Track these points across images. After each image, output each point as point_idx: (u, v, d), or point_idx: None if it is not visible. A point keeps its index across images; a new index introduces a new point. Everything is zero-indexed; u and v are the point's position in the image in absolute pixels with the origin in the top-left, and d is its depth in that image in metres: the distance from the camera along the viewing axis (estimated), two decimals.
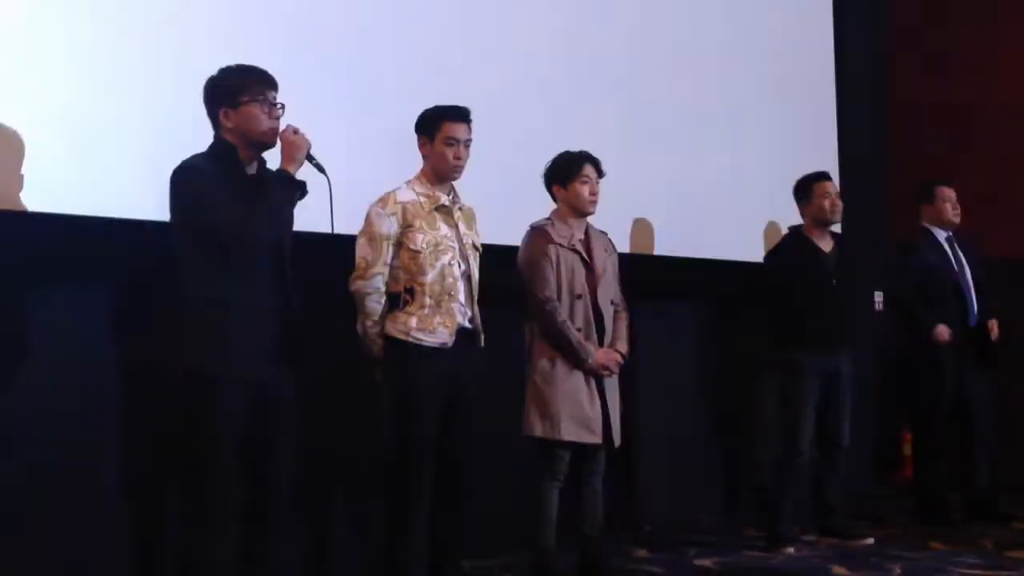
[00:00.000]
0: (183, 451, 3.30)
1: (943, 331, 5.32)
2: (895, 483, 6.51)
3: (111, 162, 3.74)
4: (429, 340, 3.72)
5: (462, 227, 3.84)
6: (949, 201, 5.51)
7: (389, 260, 3.73)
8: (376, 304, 3.73)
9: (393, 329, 3.73)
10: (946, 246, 5.51)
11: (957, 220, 5.52)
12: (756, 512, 5.28)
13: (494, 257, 4.02)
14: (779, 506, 5.00)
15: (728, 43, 5.91)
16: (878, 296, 6.66)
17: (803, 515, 5.09)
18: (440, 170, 3.81)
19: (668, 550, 4.82)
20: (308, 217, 3.41)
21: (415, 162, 3.88)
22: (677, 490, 5.58)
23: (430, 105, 3.85)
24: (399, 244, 3.73)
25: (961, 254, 5.50)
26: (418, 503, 3.72)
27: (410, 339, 3.71)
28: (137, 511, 3.80)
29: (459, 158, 3.80)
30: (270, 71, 3.33)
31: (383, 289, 3.73)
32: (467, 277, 3.82)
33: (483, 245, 3.96)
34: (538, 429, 4.02)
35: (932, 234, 5.53)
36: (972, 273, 5.47)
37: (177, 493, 3.41)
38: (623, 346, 4.17)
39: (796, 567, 4.51)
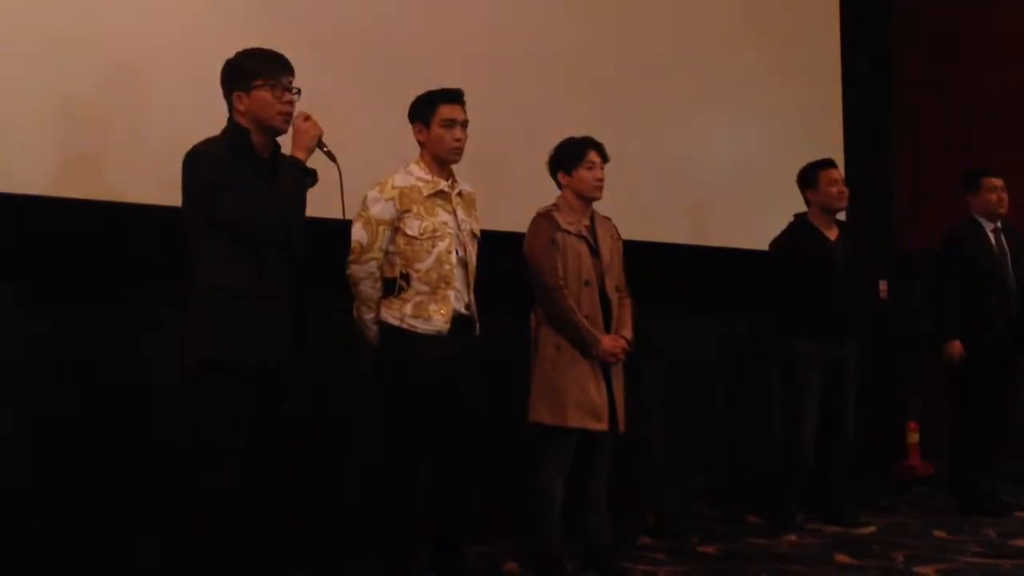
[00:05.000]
0: (191, 436, 3.31)
1: (955, 348, 5.25)
2: (899, 472, 6.51)
3: (117, 146, 3.75)
4: (424, 327, 3.70)
5: (460, 213, 3.82)
6: (995, 191, 5.42)
7: (385, 245, 3.70)
8: (370, 289, 3.72)
9: (388, 315, 3.72)
10: (992, 237, 5.42)
11: (1003, 210, 5.42)
12: (759, 499, 5.28)
13: (498, 244, 4.01)
14: (782, 494, 5.01)
15: (732, 29, 5.90)
16: (882, 285, 6.67)
17: (806, 503, 5.09)
18: (440, 154, 3.78)
19: (671, 537, 4.82)
20: (319, 203, 3.41)
21: (414, 148, 3.87)
22: (680, 477, 5.59)
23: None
24: (396, 230, 3.71)
25: (1007, 246, 5.41)
26: (417, 491, 3.72)
27: (404, 326, 3.70)
28: (142, 498, 3.80)
29: (458, 139, 3.78)
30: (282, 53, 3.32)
31: (377, 274, 3.71)
32: (464, 264, 3.80)
33: (487, 232, 3.95)
34: (545, 416, 4.01)
35: (979, 225, 5.44)
36: (1016, 265, 5.38)
37: (185, 478, 3.41)
38: (628, 333, 4.16)
39: (798, 554, 4.51)
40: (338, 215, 3.44)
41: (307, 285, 3.35)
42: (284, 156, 3.31)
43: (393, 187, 3.73)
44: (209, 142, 3.24)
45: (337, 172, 3.33)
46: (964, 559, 4.40)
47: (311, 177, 3.29)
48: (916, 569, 4.23)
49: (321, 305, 3.50)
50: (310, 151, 3.30)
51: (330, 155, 3.36)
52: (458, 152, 3.80)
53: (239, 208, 3.15)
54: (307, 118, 3.30)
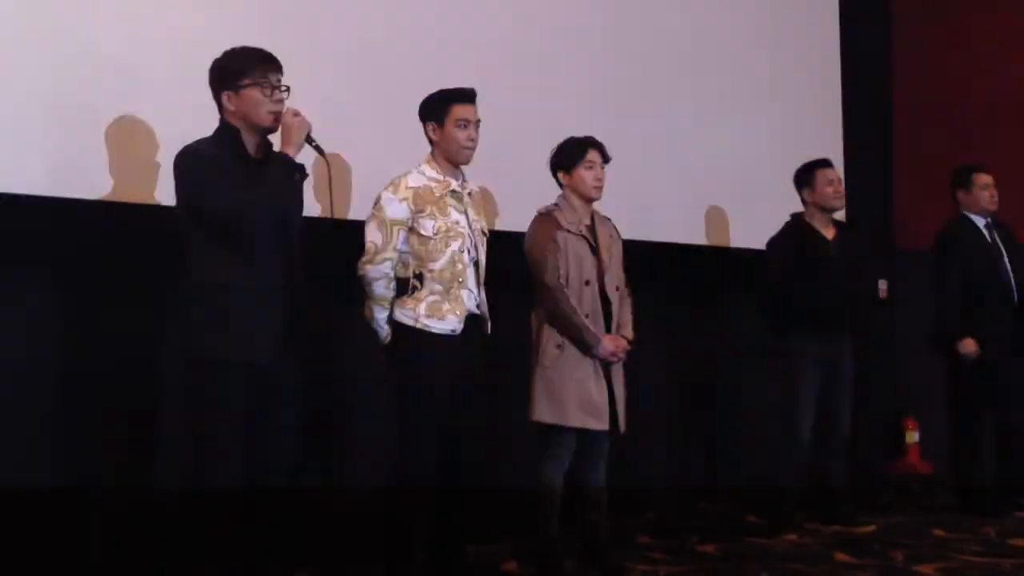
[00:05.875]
0: (186, 434, 3.31)
1: (969, 345, 5.26)
2: (898, 470, 6.51)
3: (111, 146, 3.74)
4: (438, 327, 3.71)
5: (471, 213, 3.83)
6: (987, 188, 5.42)
7: (399, 245, 3.71)
8: (384, 290, 3.72)
9: (401, 315, 3.72)
10: (986, 233, 5.43)
11: (994, 206, 5.43)
12: (758, 499, 5.28)
13: (499, 243, 4.01)
14: (781, 493, 5.01)
15: (732, 28, 5.90)
16: (881, 284, 6.67)
17: (805, 502, 5.09)
18: (452, 153, 3.79)
19: (670, 536, 4.82)
20: (306, 201, 3.40)
21: (415, 147, 3.86)
22: (680, 476, 5.59)
23: (433, 90, 3.83)
24: (409, 230, 3.71)
25: (1000, 241, 5.41)
26: (424, 489, 3.72)
27: (418, 325, 3.70)
28: (139, 494, 3.79)
29: (472, 139, 3.78)
30: (270, 51, 3.31)
31: (392, 275, 3.72)
32: (475, 263, 3.81)
33: (490, 231, 3.95)
34: (546, 415, 4.01)
35: (971, 222, 5.45)
36: (1012, 259, 5.37)
37: (180, 475, 3.40)
38: (629, 332, 4.16)
39: (798, 553, 4.50)
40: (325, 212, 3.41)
41: (304, 283, 3.34)
42: (275, 154, 3.31)
43: (407, 187, 3.73)
44: (200, 142, 3.25)
45: (326, 167, 3.32)
46: (964, 558, 4.39)
47: (299, 172, 3.29)
48: (916, 568, 4.23)
49: (319, 303, 3.49)
50: (299, 146, 3.30)
51: (318, 149, 3.36)
52: (470, 152, 3.80)
53: (228, 206, 3.14)
54: (296, 114, 3.30)
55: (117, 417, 3.79)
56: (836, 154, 6.03)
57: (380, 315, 3.74)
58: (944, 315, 5.36)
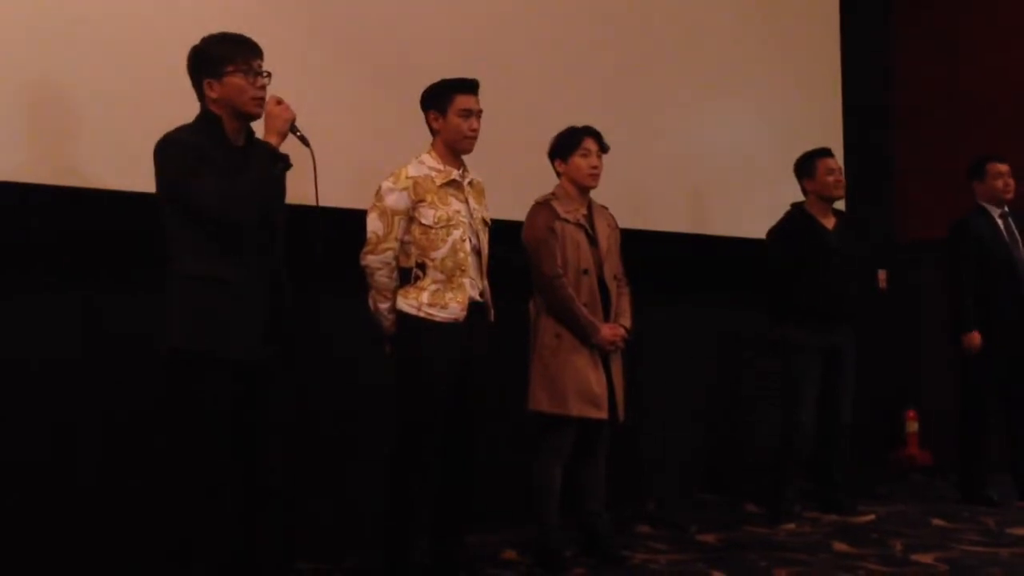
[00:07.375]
0: (173, 432, 3.25)
1: (974, 339, 5.24)
2: (898, 460, 6.52)
3: (97, 134, 3.72)
4: (441, 315, 3.72)
5: (472, 202, 3.84)
6: (1001, 177, 5.40)
7: (400, 235, 3.72)
8: (387, 279, 3.73)
9: (405, 304, 3.73)
10: (1000, 222, 5.39)
11: (1010, 195, 5.41)
12: (758, 488, 5.28)
13: (496, 232, 4.01)
14: (781, 482, 5.01)
15: (733, 17, 5.89)
16: (881, 274, 6.67)
17: (804, 491, 5.09)
18: (454, 143, 3.79)
19: (670, 526, 4.83)
20: (292, 189, 3.38)
21: (404, 136, 3.85)
22: (679, 466, 5.59)
23: (426, 79, 3.83)
24: (410, 219, 3.72)
25: (1016, 230, 5.38)
26: (425, 478, 3.73)
27: (421, 314, 3.71)
28: (130, 494, 3.77)
29: (474, 129, 3.79)
30: (255, 39, 3.26)
31: (394, 264, 3.73)
32: (477, 252, 3.82)
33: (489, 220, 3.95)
34: (545, 404, 4.01)
35: (986, 211, 5.42)
36: None
37: (169, 475, 3.37)
38: (627, 321, 4.17)
39: (797, 543, 4.50)
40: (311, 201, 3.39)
41: (288, 273, 3.31)
42: (257, 142, 3.26)
43: (407, 177, 3.74)
44: (181, 130, 3.18)
45: (311, 157, 3.29)
46: (962, 547, 4.39)
47: (283, 162, 3.24)
48: (915, 557, 4.23)
49: (312, 293, 3.47)
50: (283, 136, 3.23)
51: (303, 139, 3.30)
52: (472, 142, 3.81)
53: (211, 195, 3.08)
54: (279, 102, 3.24)
55: (103, 411, 3.76)
56: (836, 143, 6.02)
57: (383, 305, 3.75)
58: (955, 307, 5.34)
